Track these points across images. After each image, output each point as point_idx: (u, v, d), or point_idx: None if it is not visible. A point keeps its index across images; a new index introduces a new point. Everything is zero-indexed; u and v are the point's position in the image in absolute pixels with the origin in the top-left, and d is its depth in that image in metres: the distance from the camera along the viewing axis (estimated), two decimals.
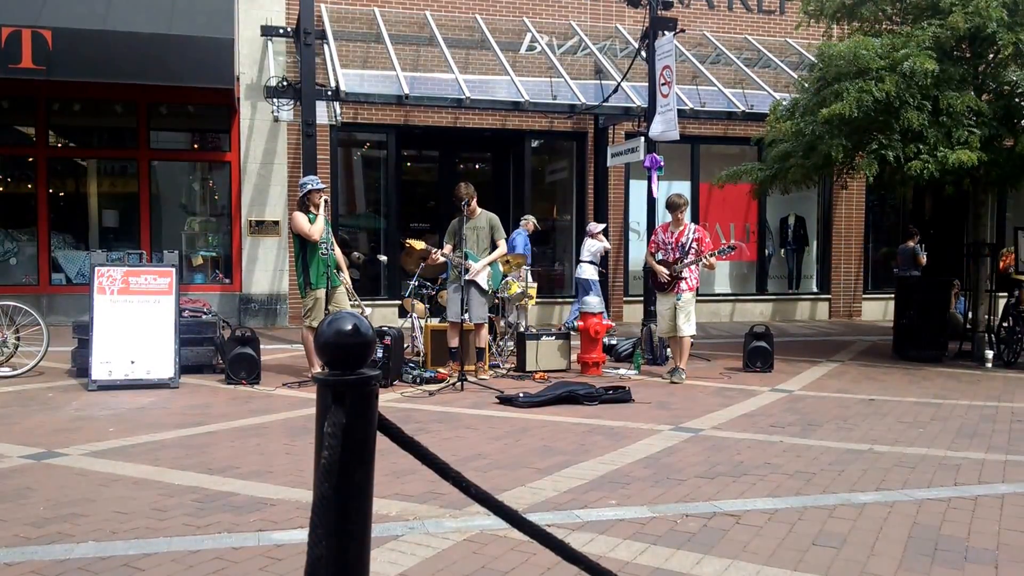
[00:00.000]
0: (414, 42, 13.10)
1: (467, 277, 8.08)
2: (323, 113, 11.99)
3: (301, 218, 7.84)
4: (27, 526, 3.86)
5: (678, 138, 10.62)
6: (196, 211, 13.65)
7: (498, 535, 3.72)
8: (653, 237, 8.85)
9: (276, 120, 12.16)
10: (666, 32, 10.63)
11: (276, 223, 12.87)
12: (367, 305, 11.21)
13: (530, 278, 11.35)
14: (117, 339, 7.66)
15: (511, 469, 4.94)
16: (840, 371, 9.23)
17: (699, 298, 8.90)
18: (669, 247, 8.47)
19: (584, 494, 4.42)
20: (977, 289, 10.41)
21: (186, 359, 8.21)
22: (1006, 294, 10.30)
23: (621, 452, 5.37)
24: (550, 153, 15.00)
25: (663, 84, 10.41)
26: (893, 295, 11.67)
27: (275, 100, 11.43)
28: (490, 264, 8.45)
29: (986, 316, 10.32)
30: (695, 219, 14.19)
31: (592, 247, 12.29)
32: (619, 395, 7.24)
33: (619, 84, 12.00)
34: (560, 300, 14.29)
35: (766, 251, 15.31)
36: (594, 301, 9.10)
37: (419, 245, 8.78)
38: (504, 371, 8.81)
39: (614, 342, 9.97)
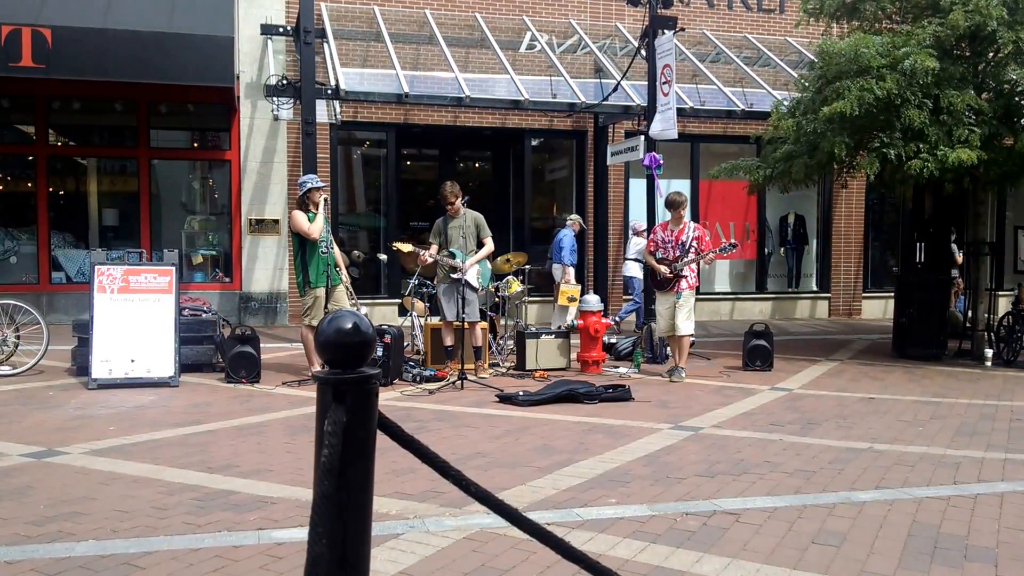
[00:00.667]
0: (414, 41, 13.10)
1: (456, 276, 8.10)
2: (323, 112, 11.98)
3: (300, 217, 7.84)
4: (28, 525, 3.86)
5: (676, 137, 10.63)
6: (196, 210, 13.65)
7: (498, 533, 3.72)
8: (652, 235, 8.85)
9: (276, 119, 12.15)
10: (666, 31, 10.63)
11: (276, 222, 12.87)
12: (366, 304, 11.23)
13: (573, 278, 11.45)
14: (117, 338, 7.66)
15: (511, 467, 4.94)
16: (840, 370, 9.24)
17: (699, 297, 8.92)
18: (669, 245, 8.47)
19: (584, 492, 4.42)
20: (977, 288, 10.41)
21: (186, 358, 8.21)
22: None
23: (621, 451, 5.37)
24: (550, 152, 14.99)
25: (664, 83, 10.41)
26: (893, 294, 11.67)
27: (275, 99, 11.42)
28: (479, 262, 8.45)
29: (986, 315, 10.32)
30: (695, 218, 14.19)
31: (638, 245, 12.31)
32: (619, 394, 7.24)
33: (619, 83, 12.00)
34: None
35: (766, 250, 15.32)
36: (594, 300, 9.10)
37: (406, 248, 8.79)
38: (504, 370, 8.82)
39: (614, 341, 9.98)
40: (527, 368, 8.63)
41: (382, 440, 1.43)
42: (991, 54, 9.55)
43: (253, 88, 12.57)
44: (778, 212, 15.31)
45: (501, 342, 9.72)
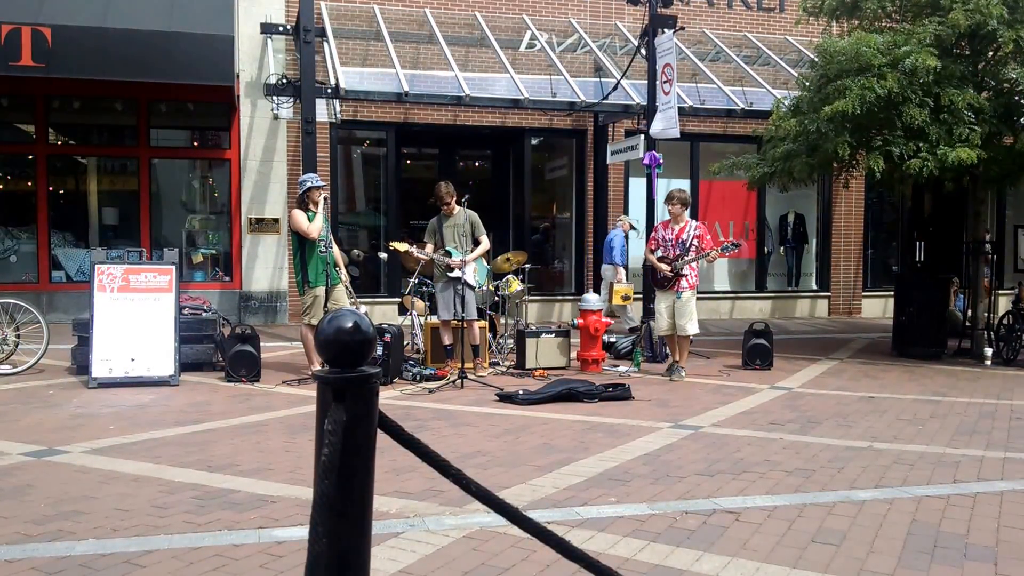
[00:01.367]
0: (414, 40, 13.09)
1: (454, 275, 8.10)
2: (323, 111, 11.98)
3: (300, 216, 7.84)
4: (28, 523, 3.87)
5: (678, 136, 10.63)
6: (196, 209, 13.65)
7: (498, 532, 3.73)
8: (653, 234, 8.84)
9: (276, 118, 12.16)
10: (666, 30, 10.63)
11: (276, 221, 12.87)
12: (366, 303, 11.22)
13: (625, 277, 11.53)
14: (117, 337, 7.66)
15: (511, 466, 4.95)
16: (839, 368, 9.24)
17: (698, 295, 8.90)
18: (669, 244, 8.46)
19: (584, 491, 4.42)
20: (976, 287, 10.41)
21: (186, 357, 8.21)
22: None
23: (621, 449, 5.37)
24: (550, 151, 14.99)
25: (664, 82, 10.41)
26: (892, 292, 11.68)
27: (275, 98, 11.42)
28: (475, 260, 8.46)
29: (985, 314, 10.33)
30: (694, 216, 14.19)
31: None
32: (619, 392, 7.24)
33: (619, 82, 12.00)
34: (560, 298, 14.29)
35: (766, 249, 15.32)
36: (593, 299, 9.10)
37: (403, 247, 8.80)
38: (504, 368, 8.82)
39: (614, 339, 9.98)
40: (527, 367, 8.63)
41: (382, 439, 1.43)
42: (991, 53, 9.55)
43: (253, 87, 12.57)
44: (778, 211, 15.31)
45: (501, 341, 9.72)
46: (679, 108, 10.95)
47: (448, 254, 8.22)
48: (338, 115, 12.82)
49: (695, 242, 8.35)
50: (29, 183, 12.76)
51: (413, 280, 9.37)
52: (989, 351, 9.81)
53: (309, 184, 7.96)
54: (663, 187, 10.61)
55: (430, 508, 4.10)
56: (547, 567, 3.35)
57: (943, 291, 10.72)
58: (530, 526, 1.59)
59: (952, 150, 8.59)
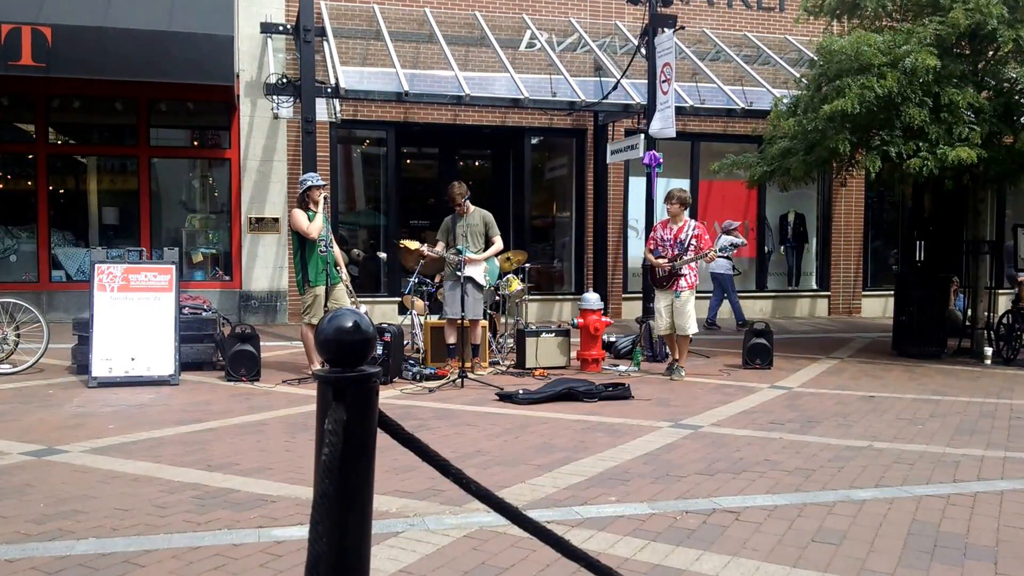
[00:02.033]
0: (414, 39, 13.09)
1: (463, 273, 8.09)
2: (323, 110, 11.97)
3: (300, 216, 7.84)
4: (28, 523, 3.87)
5: (675, 135, 10.64)
6: (196, 208, 13.65)
7: (498, 532, 3.73)
8: (652, 234, 8.84)
9: (276, 117, 12.15)
10: (666, 29, 10.63)
11: (276, 220, 12.87)
12: (366, 302, 11.22)
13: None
14: (117, 336, 7.66)
15: (511, 466, 4.95)
16: (839, 368, 9.24)
17: (698, 295, 8.91)
18: (668, 244, 8.46)
19: (584, 491, 4.42)
20: (976, 286, 10.41)
21: (186, 356, 8.22)
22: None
23: (620, 449, 5.37)
24: (550, 150, 14.99)
25: (663, 81, 10.41)
26: (892, 292, 11.68)
27: (275, 97, 11.42)
28: (486, 260, 8.47)
29: (985, 313, 10.33)
30: (694, 216, 14.19)
31: (727, 242, 12.77)
32: (618, 392, 7.25)
33: (618, 81, 12.00)
34: (560, 297, 14.29)
35: (766, 248, 15.32)
36: (593, 298, 9.10)
37: (413, 245, 8.80)
38: (504, 368, 8.82)
39: (613, 339, 9.98)
40: (527, 366, 8.63)
41: (382, 438, 1.43)
42: (991, 52, 9.55)
43: (253, 86, 12.57)
44: (778, 210, 15.31)
45: (501, 340, 9.72)
46: (679, 108, 10.95)
47: (459, 252, 8.20)
48: (338, 114, 12.82)
49: (693, 241, 8.35)
50: (29, 182, 12.75)
51: (413, 280, 9.36)
52: (989, 350, 9.81)
53: (309, 183, 7.96)
54: (663, 186, 10.62)
55: (430, 507, 4.10)
56: (547, 567, 3.35)
57: (943, 290, 10.72)
58: (530, 526, 1.59)
59: (952, 149, 8.59)
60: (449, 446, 5.41)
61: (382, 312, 12.42)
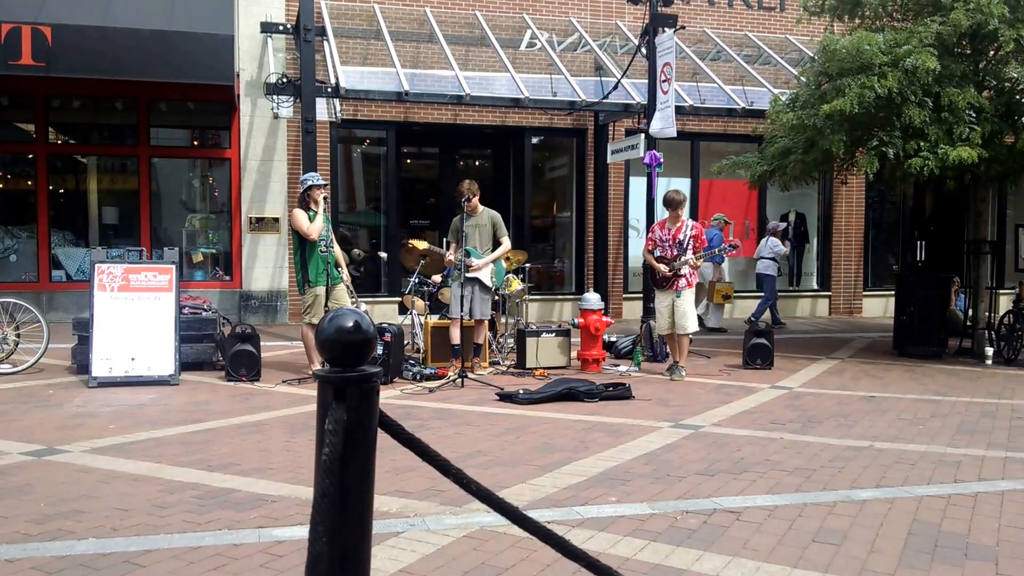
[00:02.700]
0: (414, 39, 13.09)
1: (468, 274, 8.09)
2: (323, 110, 11.97)
3: (300, 216, 7.83)
4: (28, 523, 3.86)
5: (675, 135, 10.63)
6: (196, 208, 13.65)
7: (498, 532, 3.72)
8: (650, 234, 8.84)
9: (276, 117, 12.15)
10: (666, 29, 10.63)
11: (276, 220, 12.87)
12: (367, 302, 11.22)
13: (724, 276, 12.33)
14: (117, 336, 7.66)
15: (511, 466, 4.94)
16: (840, 368, 9.23)
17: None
18: (666, 244, 8.46)
19: (584, 491, 4.42)
20: (977, 286, 10.41)
21: (186, 356, 8.21)
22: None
23: (621, 449, 5.37)
24: (550, 150, 14.99)
25: (664, 81, 10.41)
26: (893, 292, 11.68)
27: (275, 97, 11.42)
28: (493, 261, 8.47)
29: (986, 313, 10.32)
30: (695, 216, 14.19)
31: (774, 245, 13.18)
32: (619, 392, 7.24)
33: (619, 81, 12.00)
34: (560, 297, 14.29)
35: None
36: (594, 298, 9.10)
37: (421, 245, 8.79)
38: (504, 368, 8.81)
39: (614, 339, 9.97)
40: (527, 366, 8.62)
41: (382, 438, 1.43)
42: (992, 52, 9.55)
43: (253, 86, 12.57)
44: (779, 210, 15.30)
45: (501, 340, 9.72)
46: (680, 107, 10.94)
47: (468, 254, 8.19)
48: (338, 114, 12.82)
49: (691, 242, 8.35)
50: (29, 182, 12.75)
51: (413, 279, 9.36)
52: (990, 350, 9.81)
53: (310, 183, 7.96)
54: (663, 186, 10.61)
55: (430, 507, 4.10)
56: (547, 567, 3.35)
57: (944, 290, 10.72)
58: (530, 526, 1.58)
59: (953, 149, 8.59)
60: (449, 446, 5.41)
61: (382, 312, 12.42)
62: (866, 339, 12.03)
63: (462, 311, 8.06)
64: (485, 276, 8.33)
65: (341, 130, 13.28)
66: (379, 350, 7.82)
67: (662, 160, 10.73)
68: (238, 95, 12.52)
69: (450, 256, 8.35)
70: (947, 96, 8.76)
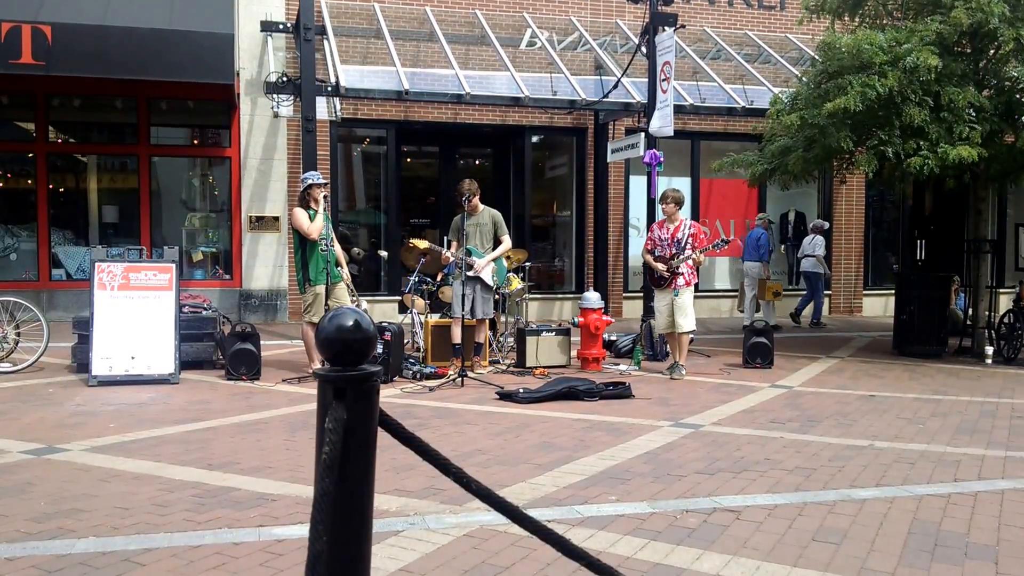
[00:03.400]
0: (414, 38, 13.09)
1: (470, 273, 8.10)
2: (323, 109, 11.97)
3: (301, 215, 7.83)
4: (28, 521, 3.87)
5: (672, 134, 10.64)
6: (196, 207, 13.65)
7: (498, 530, 3.73)
8: (649, 234, 8.84)
9: (276, 116, 12.15)
10: (666, 27, 10.62)
11: (276, 219, 12.87)
12: (367, 301, 11.22)
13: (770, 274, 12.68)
14: (117, 335, 7.66)
15: (511, 465, 4.94)
16: (840, 367, 9.23)
17: (699, 294, 8.92)
18: (665, 243, 8.45)
19: (584, 490, 4.42)
20: (977, 285, 10.41)
21: (186, 355, 8.21)
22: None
23: (621, 448, 5.37)
24: (550, 149, 14.98)
25: (663, 80, 10.40)
26: (893, 291, 11.68)
27: (275, 96, 11.42)
28: (495, 260, 8.47)
29: (986, 312, 10.32)
30: (695, 215, 14.19)
31: (817, 243, 13.37)
32: (619, 391, 7.24)
33: (619, 80, 12.00)
34: (560, 296, 14.29)
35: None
36: (594, 297, 9.10)
37: (423, 244, 8.80)
38: (504, 367, 8.81)
39: (614, 338, 9.97)
40: (527, 365, 8.62)
41: (382, 437, 1.43)
42: (992, 51, 9.54)
43: (253, 85, 12.56)
44: (779, 209, 15.29)
45: (501, 339, 9.72)
46: (680, 106, 10.93)
47: (469, 253, 8.19)
48: (338, 113, 12.81)
49: (690, 240, 8.35)
50: (29, 181, 12.76)
51: (414, 278, 9.36)
52: (990, 350, 9.81)
53: (310, 181, 7.96)
54: (663, 185, 10.60)
55: (430, 506, 4.10)
56: (547, 565, 3.35)
57: (944, 289, 10.71)
58: (530, 524, 1.58)
59: (953, 148, 8.59)
60: (449, 445, 5.41)
61: (383, 311, 12.42)
62: (866, 338, 12.03)
63: (464, 310, 8.06)
64: (487, 275, 8.34)
65: (341, 129, 13.28)
66: (379, 349, 7.82)
67: (662, 159, 10.73)
68: (238, 94, 12.52)
69: (447, 253, 8.35)
70: (947, 95, 8.76)
